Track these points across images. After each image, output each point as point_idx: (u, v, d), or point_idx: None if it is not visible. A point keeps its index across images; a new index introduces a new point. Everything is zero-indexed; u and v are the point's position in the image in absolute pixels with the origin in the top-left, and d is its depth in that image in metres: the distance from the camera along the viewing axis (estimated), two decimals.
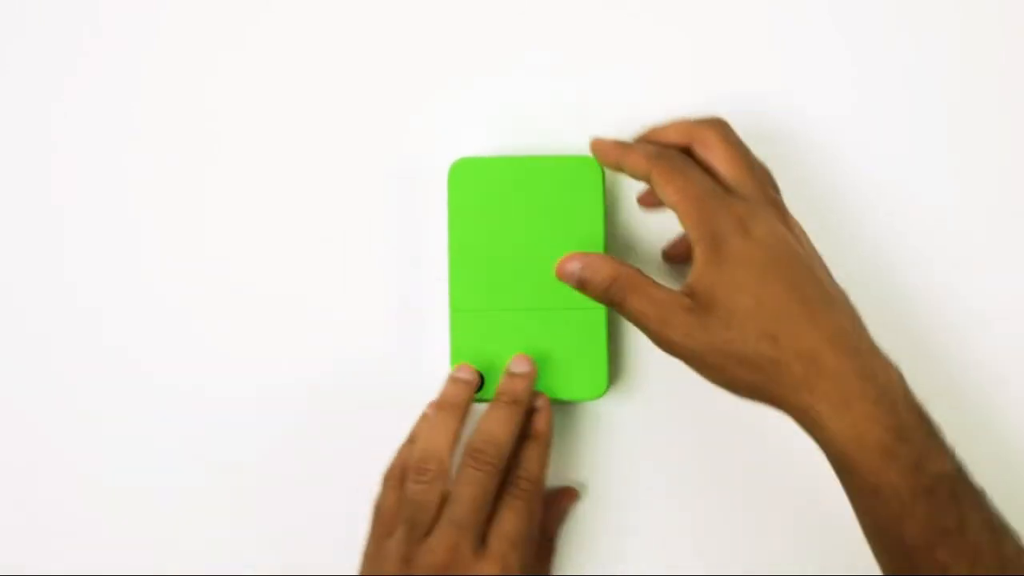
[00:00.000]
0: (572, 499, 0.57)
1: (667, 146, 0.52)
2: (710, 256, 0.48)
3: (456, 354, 0.55)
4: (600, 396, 0.55)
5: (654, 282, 0.50)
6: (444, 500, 0.50)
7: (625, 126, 0.58)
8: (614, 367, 0.58)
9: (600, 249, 0.55)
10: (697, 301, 0.48)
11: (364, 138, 0.59)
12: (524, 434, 0.54)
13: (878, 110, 0.59)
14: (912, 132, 0.59)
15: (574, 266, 0.51)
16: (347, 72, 0.59)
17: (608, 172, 0.55)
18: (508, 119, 0.59)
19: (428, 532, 0.49)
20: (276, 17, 0.59)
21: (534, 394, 0.54)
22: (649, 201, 0.57)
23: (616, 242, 0.58)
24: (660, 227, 0.58)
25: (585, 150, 0.55)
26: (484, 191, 0.55)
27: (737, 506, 0.57)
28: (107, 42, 0.59)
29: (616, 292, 0.50)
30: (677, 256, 0.58)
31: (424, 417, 0.54)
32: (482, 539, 0.50)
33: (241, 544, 0.57)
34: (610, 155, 0.52)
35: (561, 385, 0.55)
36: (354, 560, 0.52)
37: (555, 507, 0.57)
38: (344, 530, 0.54)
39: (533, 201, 0.55)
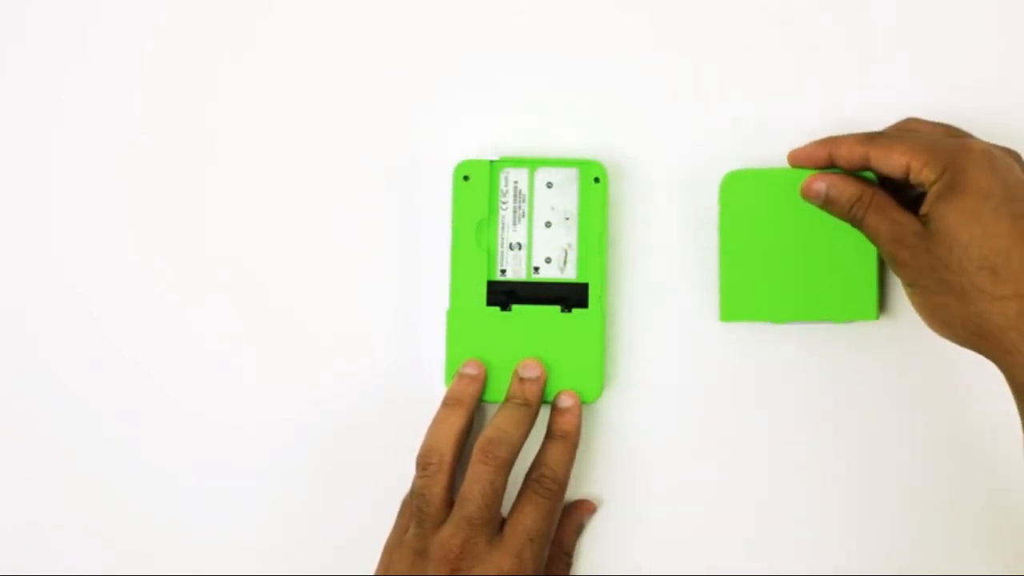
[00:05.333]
0: (589, 512, 0.57)
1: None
2: (947, 185, 0.49)
3: (451, 355, 0.55)
4: (595, 400, 0.56)
5: (896, 204, 0.51)
6: (448, 492, 0.52)
7: (628, 125, 0.58)
8: (610, 370, 0.58)
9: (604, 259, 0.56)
10: (928, 227, 0.49)
11: (366, 138, 0.59)
12: (549, 433, 0.54)
13: None
14: None
15: (820, 186, 0.53)
16: (345, 74, 0.59)
17: (611, 180, 0.56)
18: (510, 119, 0.59)
19: (437, 524, 0.51)
20: (278, 19, 0.59)
21: (565, 392, 0.55)
22: (805, 157, 0.55)
23: (620, 246, 0.58)
24: (662, 229, 0.58)
25: (585, 151, 0.56)
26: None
27: (736, 506, 0.58)
28: (108, 42, 0.59)
29: (859, 209, 0.52)
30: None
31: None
32: (496, 532, 0.51)
33: (242, 547, 0.58)
34: (819, 154, 0.54)
35: (556, 388, 0.55)
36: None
37: (572, 520, 0.57)
38: (350, 537, 0.55)
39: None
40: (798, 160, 0.55)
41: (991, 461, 0.57)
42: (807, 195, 0.54)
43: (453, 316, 0.55)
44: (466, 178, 0.56)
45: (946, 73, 0.56)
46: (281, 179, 0.59)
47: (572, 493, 0.57)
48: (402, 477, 0.56)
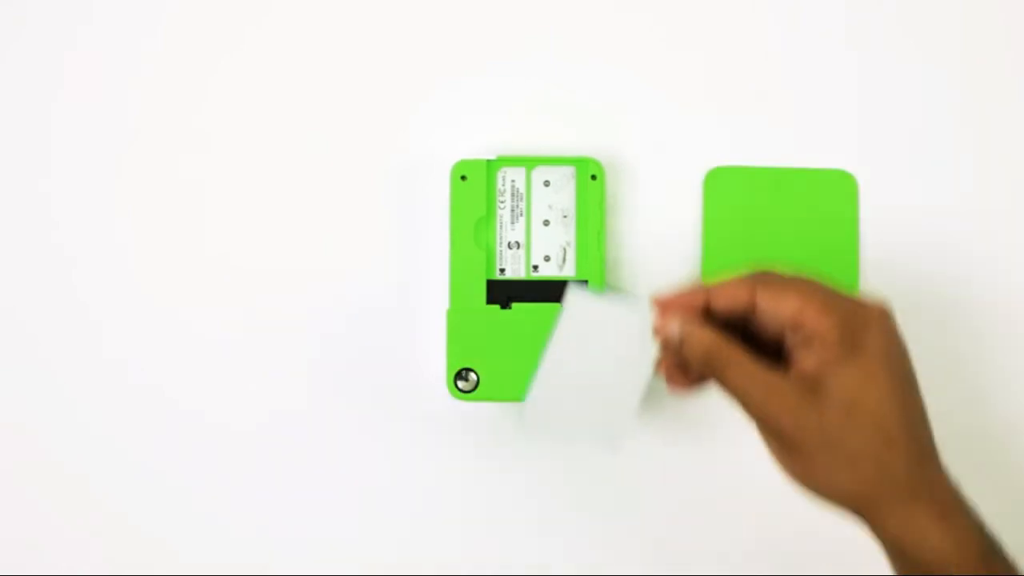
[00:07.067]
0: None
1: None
2: (843, 346, 0.45)
3: (452, 354, 0.55)
4: None
5: (751, 358, 0.46)
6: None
7: (624, 124, 0.59)
8: None
9: (602, 260, 0.56)
10: (816, 387, 0.45)
11: (363, 138, 0.59)
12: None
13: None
14: None
15: (674, 328, 0.47)
16: (343, 75, 0.59)
17: (608, 177, 0.56)
18: (507, 119, 0.59)
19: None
20: (277, 19, 0.60)
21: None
22: (678, 381, 0.48)
23: (618, 242, 0.58)
24: (660, 226, 0.59)
25: (582, 150, 0.57)
26: None
27: (737, 507, 0.58)
28: (106, 44, 0.60)
29: (714, 366, 0.46)
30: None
31: None
32: None
33: (243, 548, 0.58)
34: (697, 298, 0.47)
35: None
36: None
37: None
38: (350, 537, 0.55)
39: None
40: (667, 310, 0.47)
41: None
42: (659, 332, 0.47)
43: (453, 315, 0.56)
44: (463, 178, 0.56)
45: (947, 74, 0.56)
46: (279, 180, 0.59)
47: (573, 493, 0.57)
48: (402, 477, 0.56)
